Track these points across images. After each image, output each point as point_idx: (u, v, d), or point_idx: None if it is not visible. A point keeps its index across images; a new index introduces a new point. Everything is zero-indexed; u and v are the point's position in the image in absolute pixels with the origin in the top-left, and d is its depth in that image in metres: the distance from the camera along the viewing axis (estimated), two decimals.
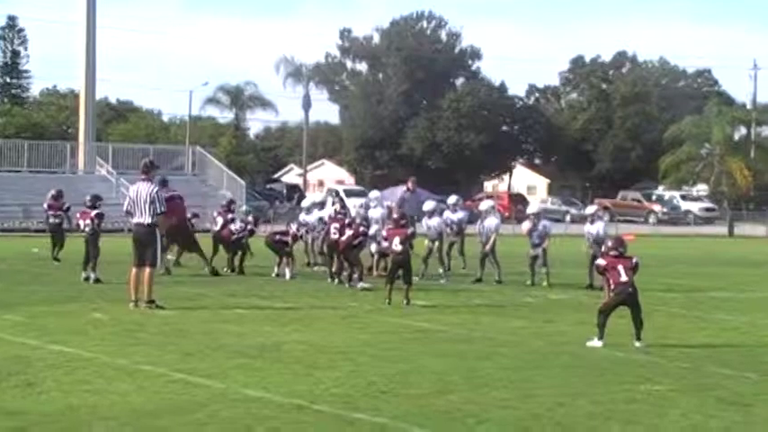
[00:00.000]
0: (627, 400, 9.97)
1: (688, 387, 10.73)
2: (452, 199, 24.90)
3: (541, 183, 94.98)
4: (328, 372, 11.07)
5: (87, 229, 20.67)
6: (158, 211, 16.38)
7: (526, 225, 22.27)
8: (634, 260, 13.57)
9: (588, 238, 21.25)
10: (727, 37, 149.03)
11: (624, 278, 13.32)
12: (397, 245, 17.94)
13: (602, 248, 16.00)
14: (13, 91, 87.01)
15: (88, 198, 21.35)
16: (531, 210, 23.26)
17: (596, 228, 21.13)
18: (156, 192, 16.48)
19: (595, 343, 13.21)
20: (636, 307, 13.41)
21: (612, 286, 13.45)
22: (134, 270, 16.29)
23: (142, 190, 16.44)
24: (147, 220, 16.31)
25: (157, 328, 14.15)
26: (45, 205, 26.09)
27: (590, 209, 22.90)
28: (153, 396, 9.66)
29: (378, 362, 11.80)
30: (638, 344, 13.29)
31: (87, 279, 19.94)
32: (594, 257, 17.84)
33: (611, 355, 12.62)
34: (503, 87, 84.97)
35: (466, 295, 19.33)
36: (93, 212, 20.69)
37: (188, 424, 8.60)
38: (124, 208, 17.10)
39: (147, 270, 16.22)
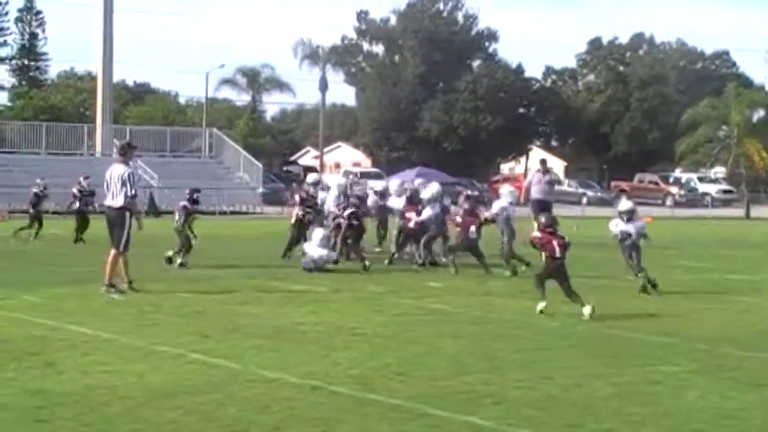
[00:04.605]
0: (644, 382, 9.98)
1: (705, 368, 10.74)
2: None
3: (558, 165, 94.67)
4: (344, 353, 11.11)
5: None
6: (128, 194, 15.74)
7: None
8: (566, 239, 14.71)
9: (620, 236, 17.67)
10: (745, 18, 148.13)
11: (558, 254, 14.49)
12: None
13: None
14: (30, 73, 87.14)
15: None
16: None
17: (636, 227, 17.62)
18: (129, 174, 15.89)
19: (541, 305, 14.36)
20: (565, 281, 14.55)
21: (546, 259, 14.63)
22: (113, 253, 15.92)
23: (116, 172, 15.92)
24: (117, 202, 15.81)
25: (174, 309, 14.21)
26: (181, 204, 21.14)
27: (625, 204, 18.36)
28: (170, 377, 9.72)
29: (394, 343, 11.84)
30: (586, 311, 14.07)
31: None
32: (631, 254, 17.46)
33: (627, 337, 12.63)
34: (519, 69, 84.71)
35: (481, 277, 19.32)
36: None
37: (205, 404, 8.65)
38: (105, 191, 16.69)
39: (112, 252, 15.72)
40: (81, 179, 27.71)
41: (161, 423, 8.06)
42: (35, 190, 28.16)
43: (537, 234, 14.91)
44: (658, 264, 23.21)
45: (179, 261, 19.84)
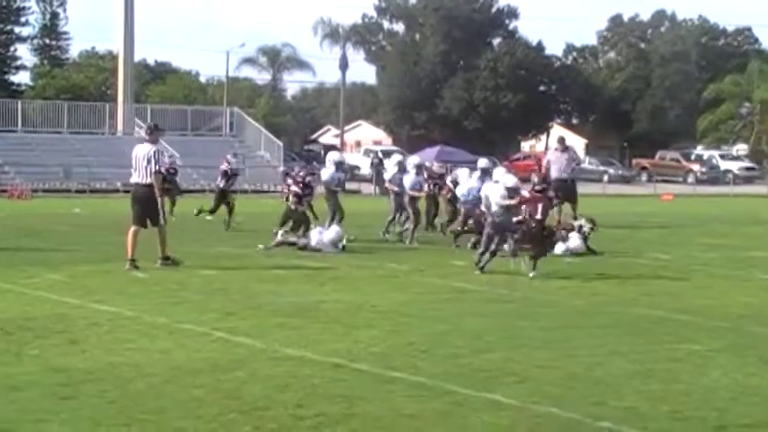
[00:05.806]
0: (667, 360, 9.97)
1: (728, 346, 10.71)
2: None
3: (579, 143, 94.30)
4: (367, 331, 11.13)
5: None
6: (154, 169, 16.27)
7: None
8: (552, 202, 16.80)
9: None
10: None
11: (539, 215, 16.35)
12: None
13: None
14: (52, 53, 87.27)
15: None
16: None
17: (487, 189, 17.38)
18: (154, 152, 16.42)
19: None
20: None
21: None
22: (132, 228, 16.18)
23: (141, 151, 16.47)
24: (145, 180, 16.32)
25: (198, 287, 14.27)
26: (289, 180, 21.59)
27: (482, 162, 18.09)
28: (194, 354, 9.77)
29: (417, 321, 11.85)
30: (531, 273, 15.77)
31: None
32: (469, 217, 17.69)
33: (650, 315, 12.61)
34: (540, 47, 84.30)
35: (505, 256, 19.25)
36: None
37: (229, 382, 8.69)
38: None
39: (157, 230, 16.30)
40: (229, 156, 25.70)
41: (185, 401, 8.10)
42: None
43: (525, 194, 16.49)
44: (680, 241, 23.20)
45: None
